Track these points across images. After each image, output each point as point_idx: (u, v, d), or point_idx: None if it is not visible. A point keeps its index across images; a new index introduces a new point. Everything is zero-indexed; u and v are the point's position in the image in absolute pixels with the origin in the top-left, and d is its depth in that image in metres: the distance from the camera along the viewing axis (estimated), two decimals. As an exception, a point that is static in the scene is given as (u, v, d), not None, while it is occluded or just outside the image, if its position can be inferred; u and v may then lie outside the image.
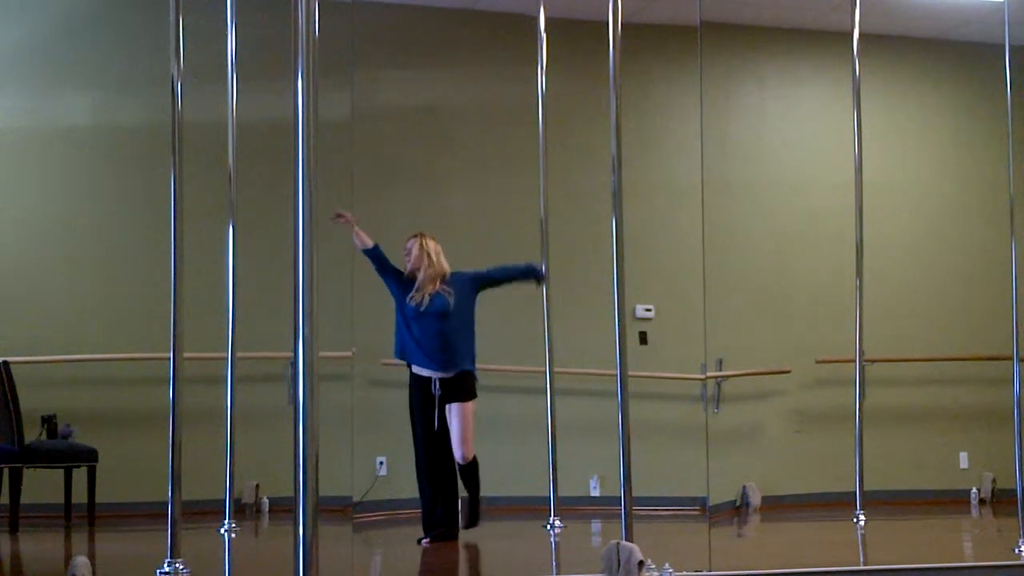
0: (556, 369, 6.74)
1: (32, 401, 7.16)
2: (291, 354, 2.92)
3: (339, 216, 6.12)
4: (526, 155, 7.09)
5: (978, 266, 8.83)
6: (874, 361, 8.27)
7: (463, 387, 6.46)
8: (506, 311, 7.38)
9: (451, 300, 6.43)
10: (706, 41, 6.42)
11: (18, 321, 7.51)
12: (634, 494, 4.68)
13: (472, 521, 6.47)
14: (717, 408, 8.49)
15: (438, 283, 6.46)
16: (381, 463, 7.82)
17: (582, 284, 7.43)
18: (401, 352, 6.52)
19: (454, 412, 6.44)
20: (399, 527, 7.30)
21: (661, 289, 8.30)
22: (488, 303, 6.67)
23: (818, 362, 8.56)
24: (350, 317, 6.18)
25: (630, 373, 4.77)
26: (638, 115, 7.93)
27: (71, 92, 7.99)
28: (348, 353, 6.48)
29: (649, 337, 8.45)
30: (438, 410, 6.37)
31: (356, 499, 7.31)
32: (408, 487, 6.88)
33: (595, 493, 8.21)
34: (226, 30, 6.29)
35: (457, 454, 6.42)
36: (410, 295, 6.42)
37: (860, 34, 6.76)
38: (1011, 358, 5.96)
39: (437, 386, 6.38)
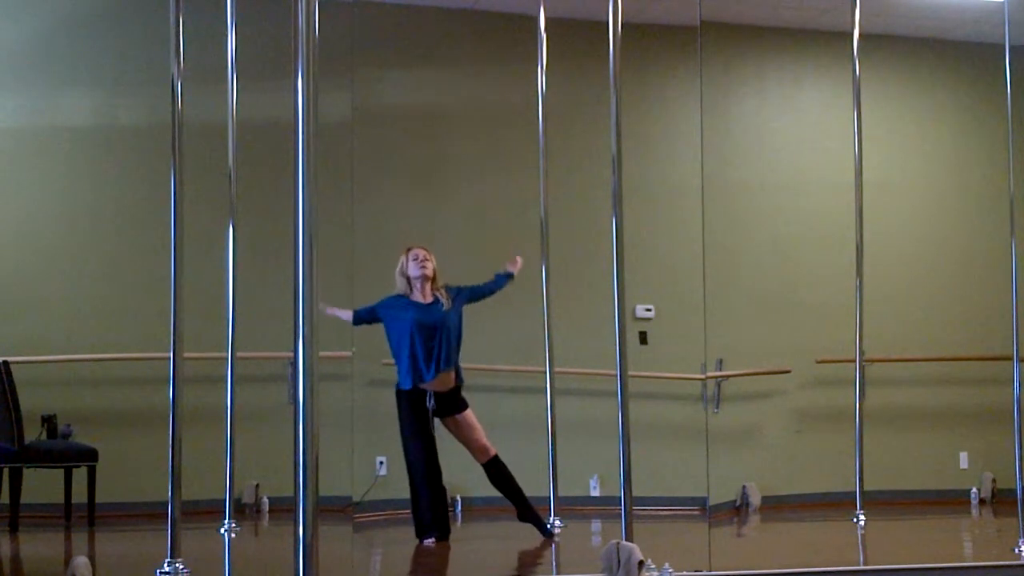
0: (556, 369, 6.75)
1: (32, 401, 7.16)
2: (291, 354, 2.92)
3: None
4: (526, 155, 7.09)
5: (978, 266, 8.83)
6: (874, 361, 8.27)
7: (457, 400, 6.47)
8: (506, 311, 7.38)
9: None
10: (706, 41, 6.42)
11: (18, 321, 7.51)
12: (634, 494, 4.68)
13: (538, 520, 6.44)
14: (717, 408, 8.49)
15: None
16: (381, 463, 7.82)
17: (582, 284, 7.43)
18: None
19: (462, 422, 6.45)
20: (399, 527, 7.30)
21: (661, 289, 8.30)
22: (488, 302, 6.67)
23: (818, 362, 8.56)
24: (346, 322, 6.21)
25: (630, 373, 4.76)
26: (638, 115, 7.93)
27: (71, 92, 7.99)
28: (348, 353, 6.49)
29: (649, 337, 8.45)
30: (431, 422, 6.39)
31: (356, 499, 7.32)
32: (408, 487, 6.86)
33: (595, 493, 8.21)
34: (226, 30, 6.30)
35: (484, 456, 6.45)
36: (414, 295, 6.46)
37: (860, 34, 6.77)
38: (1011, 358, 5.96)
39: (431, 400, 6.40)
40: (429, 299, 6.49)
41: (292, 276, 2.95)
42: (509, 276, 6.71)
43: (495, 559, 6.21)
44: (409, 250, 6.56)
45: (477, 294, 6.65)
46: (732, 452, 8.43)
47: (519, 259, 6.72)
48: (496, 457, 6.48)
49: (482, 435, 6.48)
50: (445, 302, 6.48)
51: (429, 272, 6.49)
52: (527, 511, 6.44)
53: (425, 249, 6.57)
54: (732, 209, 8.34)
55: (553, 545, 6.25)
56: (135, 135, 7.90)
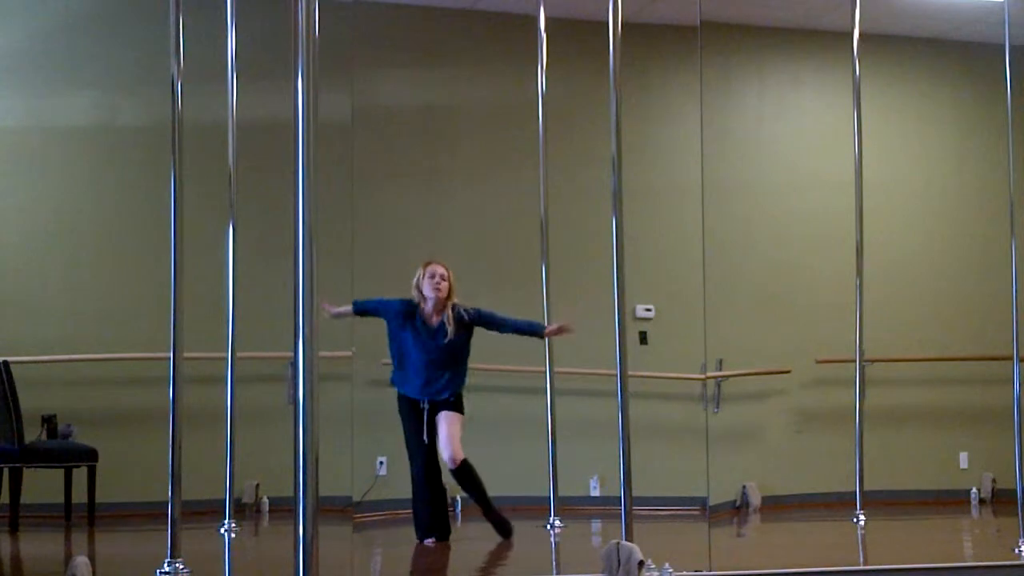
0: (556, 369, 6.75)
1: (32, 401, 7.16)
2: (291, 354, 2.92)
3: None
4: (526, 155, 7.09)
5: (978, 266, 8.83)
6: (874, 361, 8.27)
7: (454, 404, 6.45)
8: (506, 311, 7.37)
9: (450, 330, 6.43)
10: (706, 41, 6.42)
11: (18, 321, 7.51)
12: (634, 494, 4.68)
13: (502, 527, 6.43)
14: (717, 408, 8.49)
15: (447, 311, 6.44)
16: (381, 463, 7.82)
17: (582, 284, 7.42)
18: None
19: (442, 417, 6.41)
20: (399, 527, 7.31)
21: (661, 289, 8.30)
22: (487, 302, 6.66)
23: (818, 362, 8.56)
24: (350, 317, 6.20)
25: (630, 373, 4.77)
26: (638, 115, 7.92)
27: (71, 92, 7.98)
28: (348, 353, 6.49)
29: (649, 337, 8.45)
30: (427, 423, 6.36)
31: (356, 499, 7.31)
32: (408, 487, 6.87)
33: (595, 493, 8.20)
34: (226, 30, 6.30)
35: (445, 454, 6.39)
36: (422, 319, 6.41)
37: (860, 34, 6.77)
38: (1011, 358, 5.97)
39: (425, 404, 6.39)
40: (434, 322, 6.41)
41: (292, 276, 2.95)
42: (539, 333, 6.56)
43: (495, 559, 6.21)
44: (428, 264, 6.42)
45: (495, 323, 6.48)
46: (732, 452, 8.43)
47: (567, 329, 6.58)
48: (465, 462, 6.40)
49: (456, 440, 6.38)
50: (450, 329, 6.40)
51: (443, 294, 6.39)
52: (490, 511, 6.41)
53: (444, 266, 6.43)
54: (732, 209, 8.33)
55: (553, 545, 6.25)
56: (135, 135, 7.90)
